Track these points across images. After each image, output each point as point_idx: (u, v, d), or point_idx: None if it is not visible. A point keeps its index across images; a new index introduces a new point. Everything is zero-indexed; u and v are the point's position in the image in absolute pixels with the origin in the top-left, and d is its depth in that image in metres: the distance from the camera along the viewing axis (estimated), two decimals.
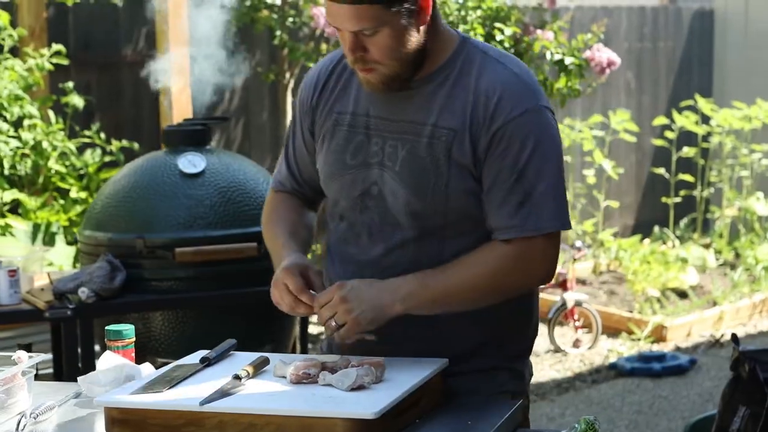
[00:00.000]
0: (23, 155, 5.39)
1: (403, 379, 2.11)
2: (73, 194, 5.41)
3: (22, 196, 5.24)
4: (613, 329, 6.52)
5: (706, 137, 8.48)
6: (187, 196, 3.96)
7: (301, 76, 5.56)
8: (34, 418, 2.09)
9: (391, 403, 1.99)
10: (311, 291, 2.24)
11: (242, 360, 2.26)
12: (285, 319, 4.11)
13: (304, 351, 4.37)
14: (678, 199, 8.44)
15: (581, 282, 7.27)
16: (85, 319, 3.81)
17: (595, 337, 6.29)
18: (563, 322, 6.45)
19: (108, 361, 2.31)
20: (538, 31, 6.19)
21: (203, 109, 5.48)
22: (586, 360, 6.10)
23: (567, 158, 7.92)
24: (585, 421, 2.03)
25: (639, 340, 6.36)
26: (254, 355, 2.26)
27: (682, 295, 7.03)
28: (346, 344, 2.25)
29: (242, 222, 3.97)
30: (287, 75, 6.53)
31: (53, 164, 5.42)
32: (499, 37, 5.96)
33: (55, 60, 5.49)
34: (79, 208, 5.32)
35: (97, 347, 4.03)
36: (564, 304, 6.29)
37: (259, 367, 2.18)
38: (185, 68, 5.14)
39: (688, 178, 8.39)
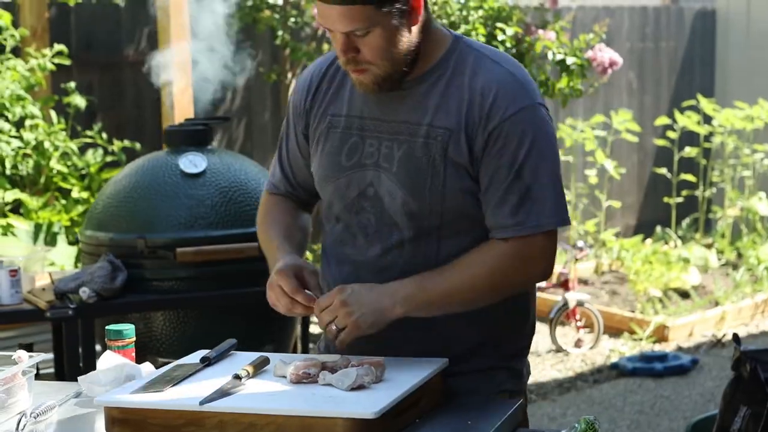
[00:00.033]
0: (25, 155, 5.39)
1: (403, 379, 2.11)
2: (75, 194, 5.41)
3: (23, 196, 5.24)
4: (614, 329, 6.51)
5: (708, 137, 8.47)
6: (189, 196, 3.96)
7: None
8: (35, 418, 2.09)
9: (391, 402, 1.99)
10: (306, 291, 2.24)
11: (242, 360, 2.26)
12: (285, 319, 4.10)
13: (305, 351, 4.37)
14: (680, 199, 8.44)
15: (583, 282, 7.27)
16: (86, 318, 3.81)
17: (597, 337, 6.28)
18: (565, 322, 6.45)
19: (108, 360, 2.31)
20: (540, 31, 6.18)
21: (205, 109, 5.48)
22: (588, 360, 6.10)
23: (569, 158, 7.92)
24: (585, 421, 2.03)
25: (641, 340, 6.35)
26: (254, 355, 2.26)
27: (684, 295, 7.03)
28: (345, 347, 2.24)
29: (243, 222, 3.97)
30: (289, 75, 6.54)
31: (55, 164, 5.42)
32: (500, 37, 5.96)
33: (57, 60, 5.49)
34: (80, 208, 5.32)
35: (98, 347, 4.03)
36: (566, 304, 6.29)
37: (259, 367, 2.18)
38: (187, 64, 5.13)
39: (690, 178, 8.39)
